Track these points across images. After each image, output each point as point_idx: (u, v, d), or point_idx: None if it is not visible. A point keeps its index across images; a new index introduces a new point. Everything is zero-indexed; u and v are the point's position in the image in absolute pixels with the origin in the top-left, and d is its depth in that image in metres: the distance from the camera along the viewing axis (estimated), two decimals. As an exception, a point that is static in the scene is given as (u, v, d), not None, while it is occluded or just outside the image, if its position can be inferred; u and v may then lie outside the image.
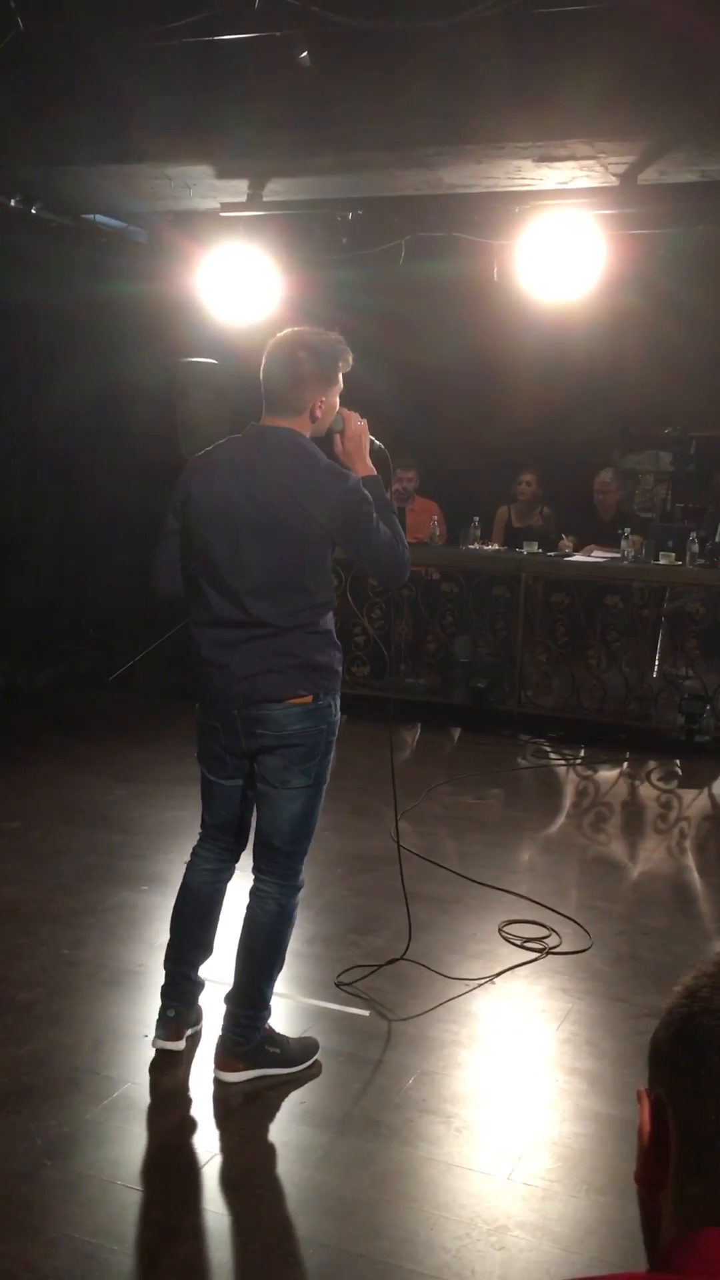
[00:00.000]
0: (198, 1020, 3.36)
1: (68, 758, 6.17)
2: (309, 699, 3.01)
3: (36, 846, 4.87)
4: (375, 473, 3.15)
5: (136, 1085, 3.10)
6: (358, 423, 3.17)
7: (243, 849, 3.32)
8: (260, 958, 3.15)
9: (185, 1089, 3.15)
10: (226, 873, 3.31)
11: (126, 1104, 3.01)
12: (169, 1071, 3.22)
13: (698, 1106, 0.82)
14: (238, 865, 3.35)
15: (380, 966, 3.76)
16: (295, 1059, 3.20)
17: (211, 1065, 3.20)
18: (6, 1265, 2.41)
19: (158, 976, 3.73)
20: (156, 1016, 3.27)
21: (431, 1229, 2.56)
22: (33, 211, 6.64)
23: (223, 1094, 3.11)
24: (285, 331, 3.08)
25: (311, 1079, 3.18)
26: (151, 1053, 3.29)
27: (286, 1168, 2.81)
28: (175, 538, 3.14)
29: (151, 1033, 3.30)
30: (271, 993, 3.20)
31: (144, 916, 4.21)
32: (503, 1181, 2.73)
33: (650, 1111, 0.87)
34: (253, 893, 3.19)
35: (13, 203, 6.50)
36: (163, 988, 3.30)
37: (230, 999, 3.18)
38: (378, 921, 4.09)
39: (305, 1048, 3.25)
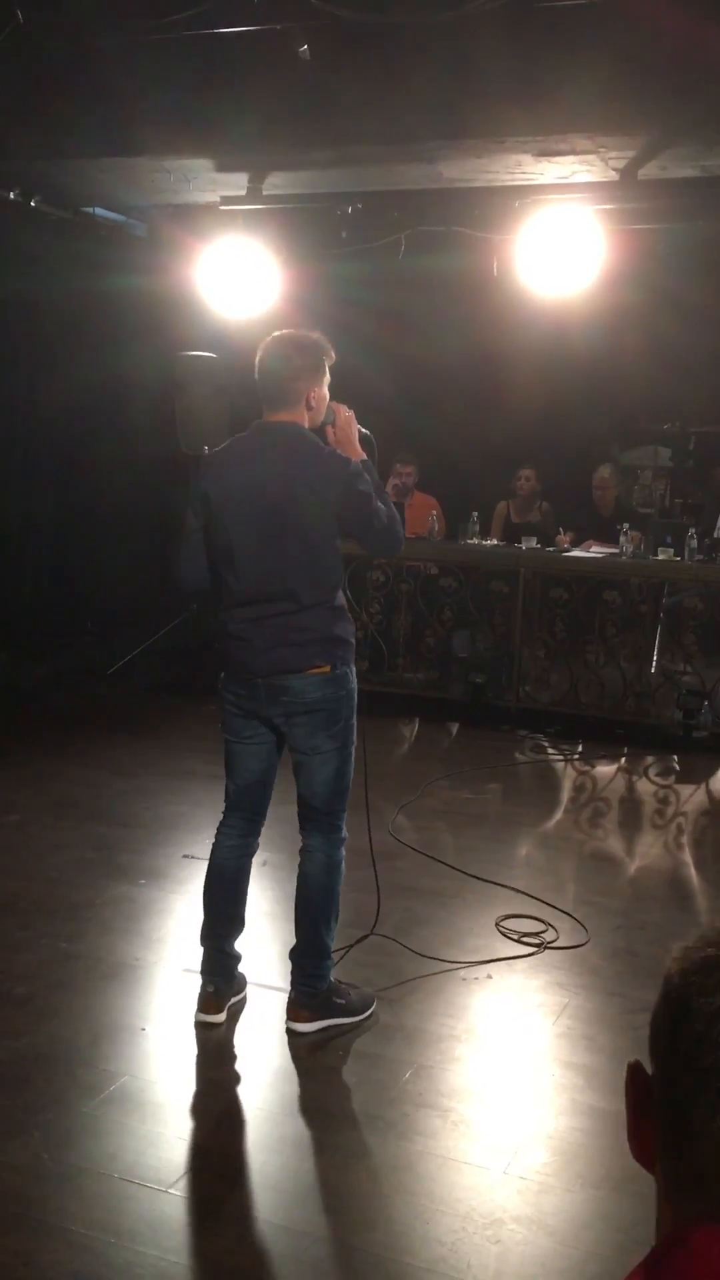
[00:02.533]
0: (239, 991, 3.55)
1: (66, 752, 6.17)
2: (327, 669, 3.27)
3: (34, 840, 4.87)
4: (365, 457, 3.40)
5: (134, 1078, 3.11)
6: (345, 413, 3.43)
7: (262, 820, 3.51)
8: (317, 908, 3.38)
9: (182, 1082, 3.16)
10: (250, 847, 3.50)
11: (123, 1097, 3.02)
12: (166, 1065, 3.22)
13: (672, 1070, 0.81)
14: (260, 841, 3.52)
15: (350, 947, 3.79)
16: (358, 1009, 3.44)
17: (210, 1061, 3.22)
18: (3, 1258, 2.42)
19: (156, 970, 3.76)
20: (197, 992, 3.44)
21: (427, 1222, 2.57)
22: (32, 204, 6.63)
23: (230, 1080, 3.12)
24: (272, 335, 3.36)
25: (368, 1029, 3.42)
26: (149, 1046, 3.30)
27: (282, 1161, 2.81)
28: (198, 534, 3.36)
29: (149, 1026, 3.36)
30: (333, 941, 3.44)
31: (142, 910, 4.21)
32: (499, 1175, 2.74)
33: (629, 1077, 0.87)
34: (302, 851, 3.43)
35: (12, 195, 6.49)
36: (202, 965, 3.47)
37: (295, 953, 3.41)
38: (372, 916, 4.09)
39: (365, 999, 3.49)
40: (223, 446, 3.39)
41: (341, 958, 3.71)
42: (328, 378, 3.35)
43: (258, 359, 3.31)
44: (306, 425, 3.31)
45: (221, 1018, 3.44)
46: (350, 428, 3.42)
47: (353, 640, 3.37)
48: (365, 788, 3.54)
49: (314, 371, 3.30)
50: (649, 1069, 0.87)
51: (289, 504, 3.20)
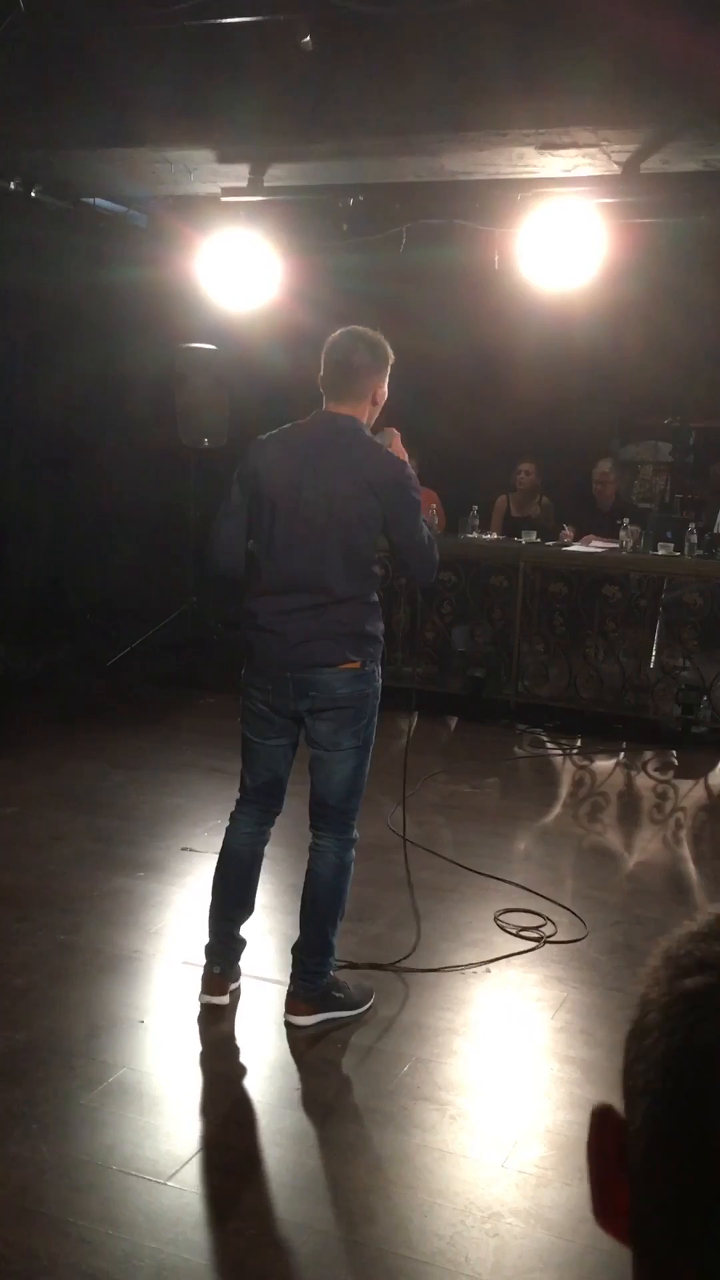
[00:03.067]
0: (238, 977, 3.55)
1: (64, 743, 6.17)
2: (358, 664, 3.25)
3: (32, 832, 4.87)
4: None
5: (132, 1070, 3.11)
6: (398, 440, 3.44)
7: (278, 811, 3.51)
8: (324, 907, 3.37)
9: (180, 1074, 3.16)
10: (264, 835, 3.51)
11: (121, 1089, 3.02)
12: (164, 1057, 3.23)
13: (630, 1096, 0.63)
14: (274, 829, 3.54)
15: (358, 967, 3.78)
16: (357, 1002, 3.44)
17: (208, 1053, 3.23)
18: (1, 1250, 2.42)
19: (154, 962, 3.75)
20: (202, 972, 3.47)
21: (425, 1215, 2.57)
22: (32, 195, 6.62)
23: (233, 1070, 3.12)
24: (340, 330, 3.35)
25: (367, 1022, 3.41)
26: (147, 1038, 3.30)
27: (281, 1154, 2.81)
28: (241, 513, 3.31)
29: (148, 1018, 3.36)
30: (336, 939, 3.42)
31: (140, 902, 4.21)
32: (497, 1169, 2.74)
33: (596, 1124, 0.67)
34: (312, 849, 3.41)
35: (12, 186, 6.48)
36: (207, 946, 3.49)
37: (299, 949, 3.39)
38: (375, 910, 4.10)
39: (364, 992, 3.49)
40: (280, 430, 3.36)
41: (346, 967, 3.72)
42: (388, 376, 3.37)
43: (326, 350, 3.30)
44: (365, 420, 3.31)
45: (226, 999, 3.46)
46: (400, 449, 3.42)
47: (383, 639, 3.36)
48: (403, 794, 3.52)
49: (379, 370, 3.31)
50: (620, 1111, 0.67)
51: (338, 496, 3.19)
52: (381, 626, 3.35)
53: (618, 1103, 0.66)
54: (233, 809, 3.51)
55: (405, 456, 3.40)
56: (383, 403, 3.36)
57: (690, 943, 0.66)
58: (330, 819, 3.37)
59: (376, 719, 3.34)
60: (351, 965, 3.66)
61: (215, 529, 3.38)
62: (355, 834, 3.42)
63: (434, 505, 7.51)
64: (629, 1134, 0.63)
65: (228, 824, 3.52)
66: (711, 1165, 0.55)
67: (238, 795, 3.51)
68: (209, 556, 3.43)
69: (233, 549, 3.34)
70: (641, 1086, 0.61)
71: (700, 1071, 0.57)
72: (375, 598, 3.33)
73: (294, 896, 3.48)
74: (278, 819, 3.55)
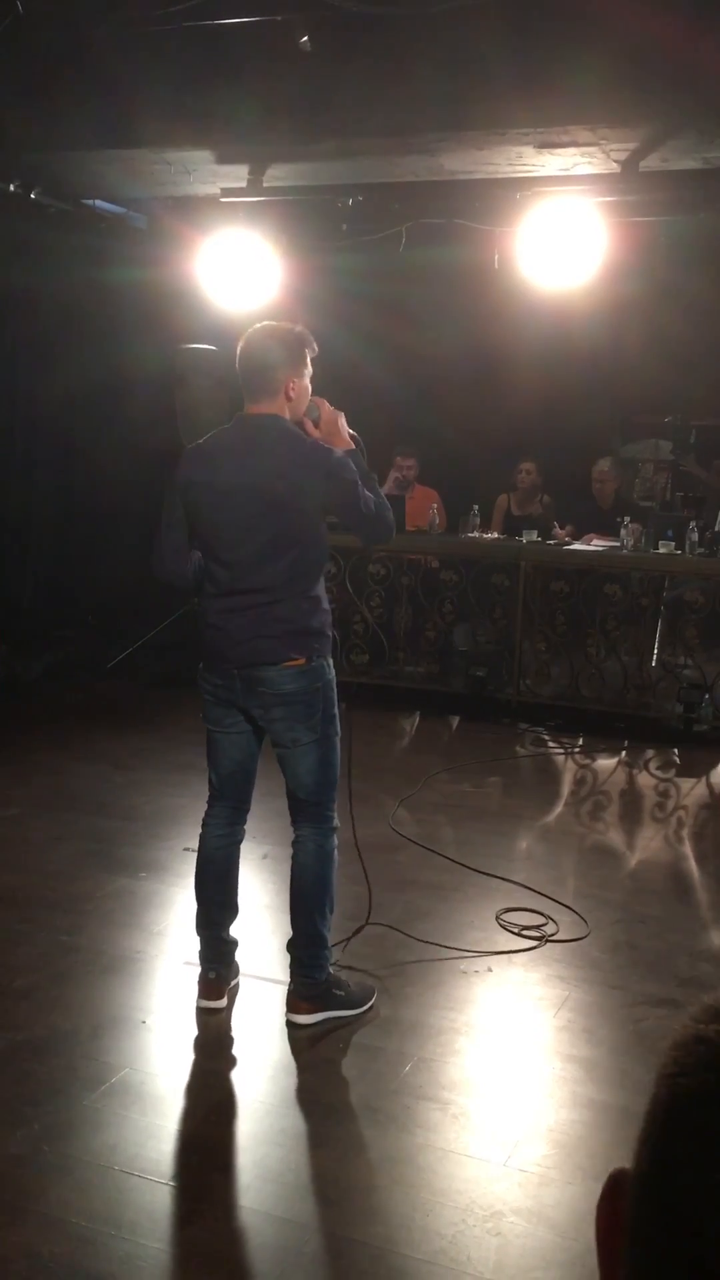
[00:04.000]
0: (235, 975, 3.57)
1: (65, 745, 6.17)
2: (302, 661, 3.26)
3: (34, 833, 4.87)
4: (353, 445, 3.41)
5: (134, 1071, 3.11)
6: (329, 408, 3.44)
7: (247, 808, 3.52)
8: (311, 897, 3.38)
9: (182, 1074, 3.16)
10: (237, 834, 3.52)
11: (124, 1089, 3.02)
12: (166, 1058, 3.23)
13: (640, 1163, 0.60)
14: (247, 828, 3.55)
15: (348, 940, 3.79)
16: (358, 1001, 3.44)
17: (210, 1053, 3.23)
18: (3, 1250, 2.42)
19: (156, 962, 3.76)
20: (198, 977, 3.48)
21: (427, 1215, 2.57)
22: (32, 196, 6.62)
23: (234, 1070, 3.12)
24: (253, 326, 3.38)
25: (368, 1021, 3.41)
26: (149, 1038, 3.31)
27: (282, 1153, 2.81)
28: (180, 525, 3.37)
29: (150, 1018, 3.37)
30: (329, 931, 3.42)
31: (142, 903, 4.22)
32: (499, 1168, 2.74)
33: (609, 1190, 0.64)
34: (293, 843, 3.43)
35: (12, 187, 6.48)
36: (199, 953, 3.50)
37: (293, 945, 3.40)
38: (376, 909, 4.09)
39: (366, 991, 3.49)
40: (205, 438, 3.41)
41: (343, 949, 3.72)
42: (309, 370, 3.36)
43: (238, 350, 3.33)
44: (287, 416, 3.31)
45: (223, 1003, 3.47)
46: (336, 420, 3.42)
47: (330, 633, 3.36)
48: (349, 778, 3.53)
49: (294, 363, 3.30)
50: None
51: (268, 495, 3.21)
52: (328, 620, 3.35)
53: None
54: (203, 813, 3.52)
55: (340, 419, 3.41)
56: (303, 397, 3.34)
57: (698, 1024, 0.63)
58: (306, 811, 3.39)
59: (335, 710, 3.34)
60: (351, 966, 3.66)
61: (158, 541, 3.44)
62: (335, 821, 3.43)
63: (435, 504, 7.52)
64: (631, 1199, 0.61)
65: (200, 830, 3.52)
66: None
67: (208, 795, 3.52)
68: (155, 567, 3.47)
69: (177, 559, 3.38)
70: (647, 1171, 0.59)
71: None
72: (318, 592, 3.34)
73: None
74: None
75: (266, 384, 3.29)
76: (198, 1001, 3.45)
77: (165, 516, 3.42)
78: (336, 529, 3.36)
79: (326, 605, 3.38)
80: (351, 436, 3.45)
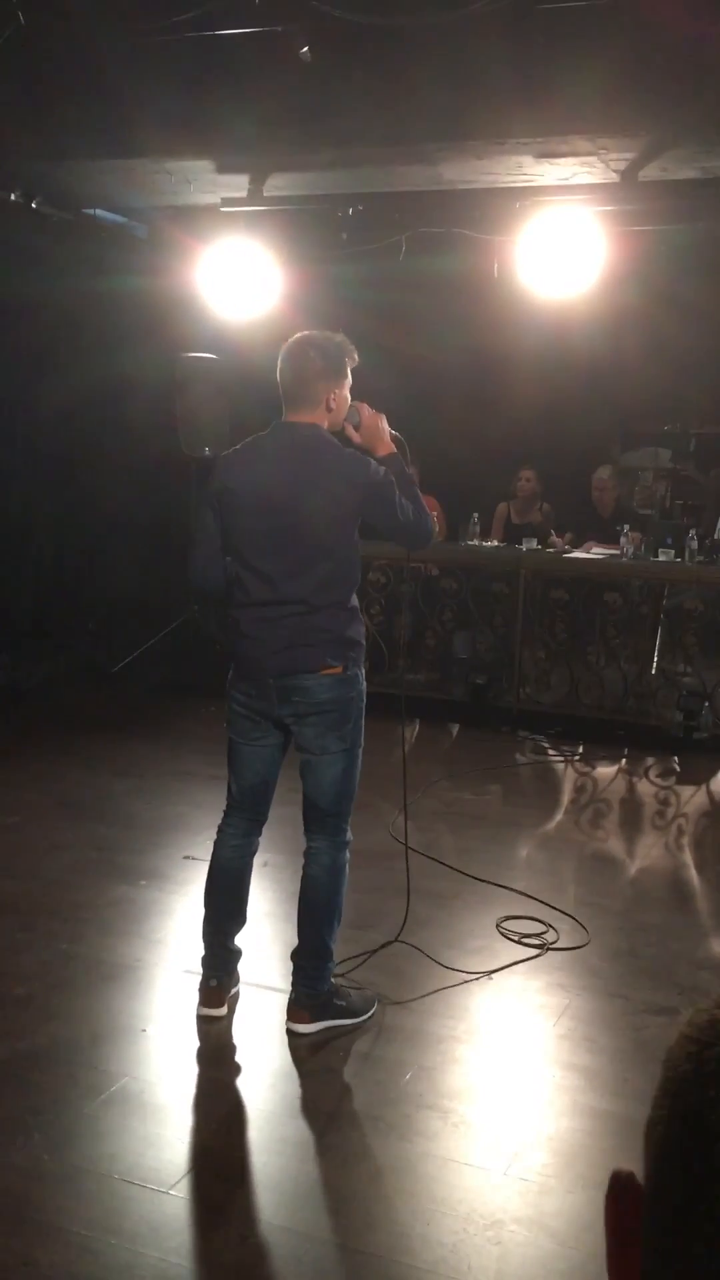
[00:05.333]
0: (236, 984, 3.57)
1: (67, 752, 6.17)
2: (339, 669, 3.27)
3: (35, 841, 4.87)
4: (395, 450, 3.42)
5: (134, 1079, 3.11)
6: (369, 411, 3.42)
7: (264, 820, 3.52)
8: (320, 911, 3.38)
9: (183, 1083, 3.16)
10: (252, 845, 3.52)
11: (124, 1098, 3.02)
12: (167, 1066, 3.23)
13: (664, 1170, 0.59)
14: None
15: (372, 953, 3.78)
16: (359, 1010, 3.44)
17: (210, 1062, 3.23)
18: (3, 1258, 2.42)
19: (156, 971, 3.76)
20: (199, 985, 3.47)
21: (428, 1224, 2.57)
22: (33, 206, 6.64)
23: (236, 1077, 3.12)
24: (294, 336, 3.36)
25: (368, 1030, 3.34)
26: (149, 1047, 3.30)
27: (283, 1162, 2.81)
28: (215, 535, 3.36)
29: (150, 1027, 3.37)
30: (335, 944, 3.42)
31: (142, 911, 4.21)
32: (499, 1176, 2.74)
33: (614, 1190, 0.64)
34: (306, 854, 3.42)
35: (13, 197, 6.50)
36: (203, 959, 3.49)
37: (297, 954, 3.40)
38: (376, 917, 4.09)
39: (367, 1000, 3.48)
40: (242, 444, 3.40)
41: (361, 964, 3.72)
42: (349, 380, 3.35)
43: (279, 359, 3.31)
44: (326, 426, 3.30)
45: (223, 1011, 3.46)
46: (377, 424, 3.41)
47: (364, 642, 3.38)
48: (405, 791, 3.52)
49: (334, 373, 3.29)
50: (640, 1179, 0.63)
51: (303, 505, 3.21)
52: (363, 630, 3.38)
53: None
54: (220, 820, 3.53)
55: (381, 421, 3.41)
56: (343, 407, 3.34)
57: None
58: (323, 822, 3.38)
59: (363, 721, 3.35)
60: (351, 979, 3.66)
61: (192, 553, 3.45)
62: (349, 836, 3.43)
63: (435, 513, 7.51)
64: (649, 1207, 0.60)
65: (215, 836, 3.52)
66: None
67: (225, 804, 3.52)
68: (190, 579, 3.51)
69: (212, 569, 3.38)
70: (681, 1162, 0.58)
71: None
72: (354, 602, 3.36)
73: (295, 905, 3.48)
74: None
75: (307, 394, 3.28)
76: (198, 1009, 3.45)
77: (198, 528, 3.43)
78: (373, 538, 3.36)
79: (361, 616, 3.39)
80: (394, 437, 3.44)
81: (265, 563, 3.26)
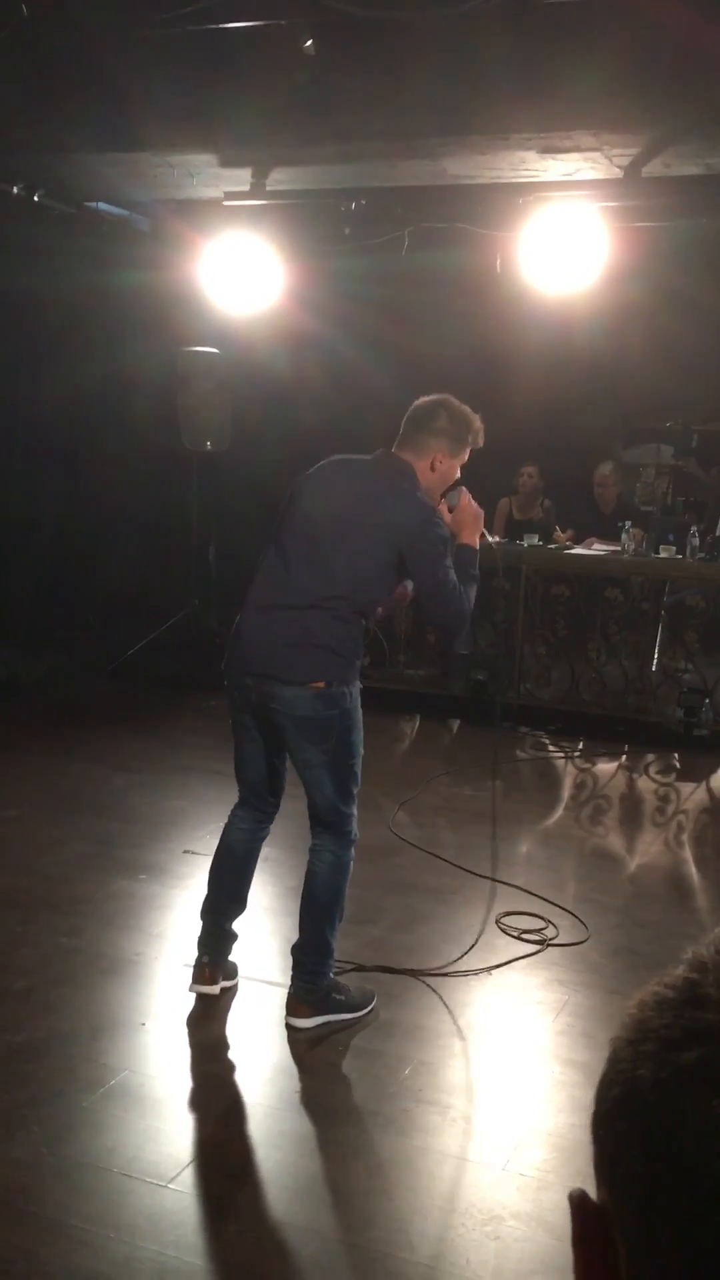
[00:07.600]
0: (232, 975, 3.58)
1: (67, 747, 6.17)
2: (322, 684, 3.22)
3: (35, 835, 4.87)
4: (477, 547, 3.48)
5: (134, 1073, 3.11)
6: (470, 500, 3.51)
7: (275, 811, 3.55)
8: (322, 906, 3.39)
9: (182, 1077, 3.16)
10: (262, 832, 3.55)
11: (123, 1092, 3.02)
12: (166, 1060, 3.23)
13: (621, 1182, 0.57)
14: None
15: (357, 968, 3.78)
16: (358, 1005, 3.45)
17: (209, 1056, 3.23)
18: (2, 1252, 2.42)
19: (156, 965, 3.76)
20: (192, 964, 3.51)
21: (426, 1218, 2.57)
22: (35, 199, 6.63)
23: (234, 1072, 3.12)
24: (440, 395, 3.45)
25: (367, 1025, 3.32)
26: (149, 1041, 3.31)
27: (282, 1156, 2.82)
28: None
29: (149, 1021, 3.38)
30: (335, 940, 3.43)
31: (142, 905, 4.22)
32: (498, 1172, 2.74)
33: (575, 1210, 0.62)
34: (311, 850, 3.43)
35: (15, 190, 6.49)
36: (199, 938, 3.52)
37: (298, 949, 3.40)
38: (376, 912, 4.10)
39: (365, 995, 3.49)
40: (339, 457, 3.47)
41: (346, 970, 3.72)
42: (463, 458, 3.41)
43: (413, 405, 3.40)
44: (422, 482, 3.33)
45: (216, 989, 3.49)
46: (476, 517, 3.48)
47: (357, 662, 3.32)
48: (493, 824, 3.53)
49: (452, 439, 3.36)
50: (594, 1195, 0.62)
51: (357, 515, 3.24)
52: (358, 646, 3.32)
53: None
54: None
55: (478, 517, 3.48)
56: (445, 475, 3.38)
57: (670, 1013, 0.58)
58: (323, 823, 3.40)
59: (355, 735, 3.30)
60: (360, 968, 3.66)
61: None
62: (354, 834, 3.43)
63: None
64: (620, 1219, 0.57)
65: (226, 820, 3.56)
66: None
67: (236, 797, 3.55)
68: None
69: None
70: (641, 1171, 0.55)
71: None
72: (355, 621, 3.29)
73: (294, 899, 3.48)
74: (279, 823, 3.57)
75: (419, 442, 3.36)
76: (190, 987, 3.48)
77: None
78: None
79: (361, 637, 3.34)
80: (483, 539, 3.51)
81: (295, 545, 3.29)
